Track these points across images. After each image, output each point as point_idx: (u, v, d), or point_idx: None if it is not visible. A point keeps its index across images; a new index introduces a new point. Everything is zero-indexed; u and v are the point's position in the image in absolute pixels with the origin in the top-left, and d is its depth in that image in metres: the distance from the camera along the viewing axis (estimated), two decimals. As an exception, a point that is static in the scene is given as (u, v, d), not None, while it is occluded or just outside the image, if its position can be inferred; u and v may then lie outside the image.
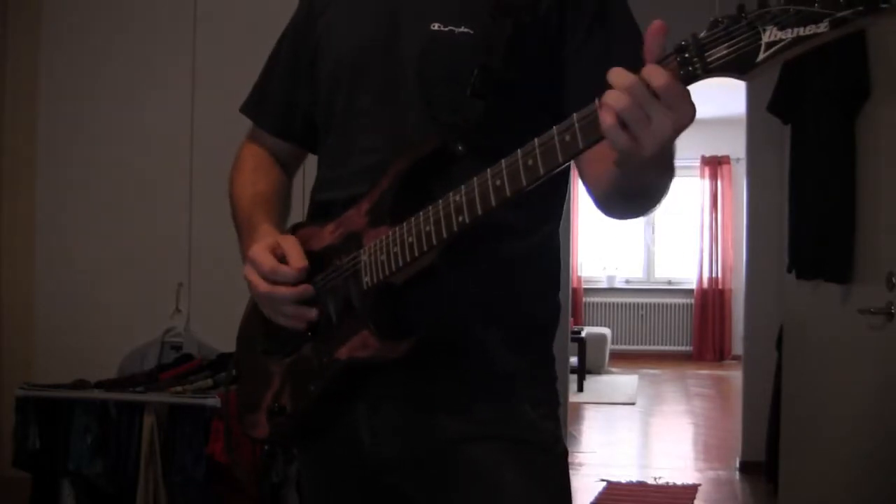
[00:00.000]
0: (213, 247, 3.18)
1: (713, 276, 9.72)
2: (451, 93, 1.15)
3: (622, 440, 6.13)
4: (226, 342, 2.68)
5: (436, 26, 1.18)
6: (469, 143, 1.11)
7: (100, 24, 3.85)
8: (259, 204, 1.34)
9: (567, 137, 0.94)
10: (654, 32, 0.88)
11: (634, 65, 0.90)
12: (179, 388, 3.00)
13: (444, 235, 1.06)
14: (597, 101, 0.91)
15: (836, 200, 2.56)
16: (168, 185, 3.74)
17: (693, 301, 9.79)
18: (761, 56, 0.80)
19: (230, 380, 1.48)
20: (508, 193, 0.99)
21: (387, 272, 1.12)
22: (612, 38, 1.19)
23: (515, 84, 1.17)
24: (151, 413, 2.94)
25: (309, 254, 1.21)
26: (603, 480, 4.73)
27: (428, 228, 1.07)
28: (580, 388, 7.51)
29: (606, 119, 0.89)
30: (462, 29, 1.17)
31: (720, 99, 7.55)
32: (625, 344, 9.77)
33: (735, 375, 7.35)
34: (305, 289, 1.18)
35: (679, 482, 4.73)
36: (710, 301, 9.68)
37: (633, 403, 7.11)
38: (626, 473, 4.93)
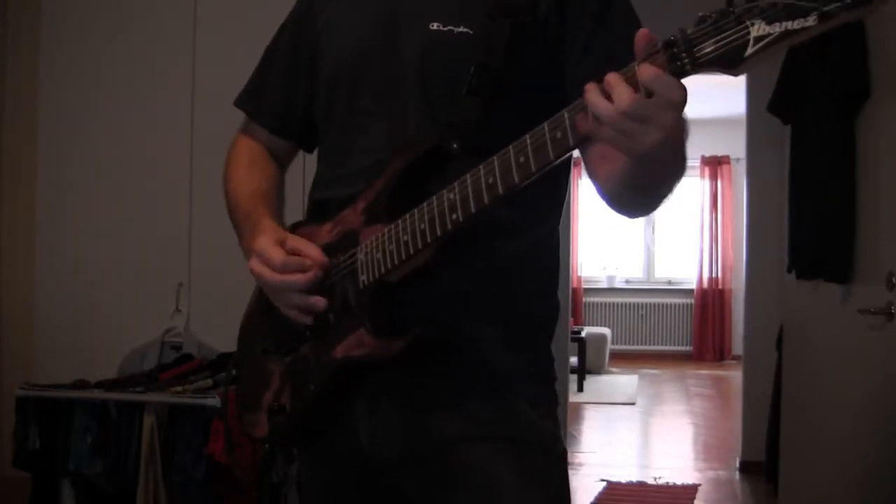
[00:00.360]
0: (213, 247, 3.18)
1: (713, 276, 9.73)
2: (451, 92, 1.15)
3: (622, 440, 6.13)
4: (226, 342, 2.68)
5: (435, 26, 1.18)
6: (465, 141, 1.11)
7: (100, 24, 3.84)
8: (259, 200, 1.34)
9: (558, 134, 0.94)
10: (641, 38, 0.89)
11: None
12: (179, 388, 3.00)
13: (439, 233, 1.06)
14: (584, 96, 0.91)
15: (836, 200, 2.56)
16: (168, 185, 3.74)
17: (693, 301, 9.80)
18: (750, 50, 0.80)
19: (230, 380, 1.48)
20: (501, 191, 0.99)
21: (382, 270, 1.12)
22: (612, 38, 1.18)
23: (514, 83, 1.17)
24: (151, 413, 2.94)
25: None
26: (603, 480, 4.73)
27: (423, 226, 1.07)
28: (580, 388, 7.51)
29: (584, 125, 0.90)
30: (461, 29, 1.17)
31: (720, 99, 7.56)
32: (625, 344, 9.77)
33: (735, 375, 7.35)
34: (317, 274, 1.17)
35: (679, 482, 4.73)
36: (710, 301, 9.68)
37: (633, 403, 7.11)
38: (626, 473, 4.93)
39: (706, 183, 9.69)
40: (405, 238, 1.09)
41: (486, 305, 1.19)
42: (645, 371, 8.85)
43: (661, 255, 10.06)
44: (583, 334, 7.78)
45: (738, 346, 8.83)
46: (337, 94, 1.28)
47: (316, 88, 1.33)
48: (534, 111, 1.03)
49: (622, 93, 0.87)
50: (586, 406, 7.01)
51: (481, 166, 1.01)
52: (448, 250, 1.09)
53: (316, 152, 1.39)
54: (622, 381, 8.14)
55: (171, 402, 2.96)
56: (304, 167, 1.51)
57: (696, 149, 9.36)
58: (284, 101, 1.40)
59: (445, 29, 1.18)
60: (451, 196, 1.04)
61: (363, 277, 1.14)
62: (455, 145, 1.11)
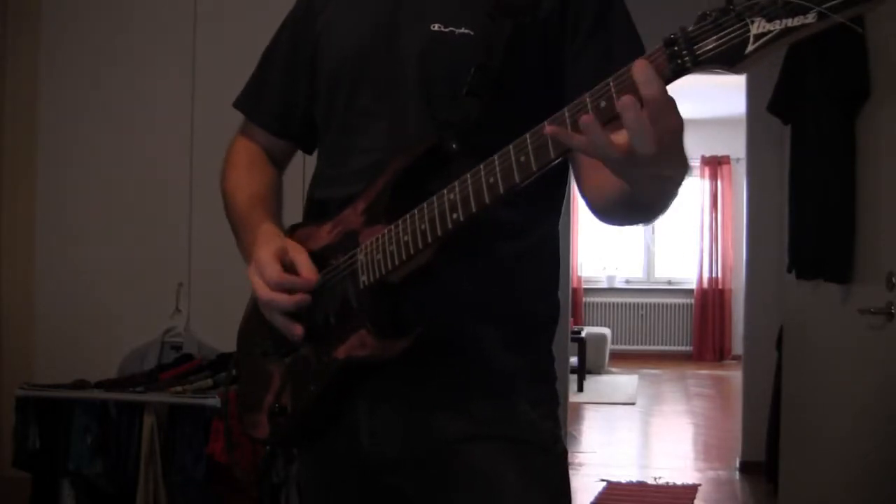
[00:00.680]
0: (213, 247, 3.17)
1: (713, 276, 9.73)
2: (451, 92, 1.15)
3: (622, 440, 6.13)
4: (226, 342, 2.67)
5: (436, 27, 1.18)
6: (465, 141, 1.11)
7: (100, 24, 3.85)
8: (257, 202, 1.34)
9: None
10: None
11: None
12: (179, 388, 3.00)
13: (439, 233, 1.05)
14: (586, 95, 0.90)
15: (836, 200, 2.56)
16: (168, 184, 3.74)
17: (693, 301, 9.80)
18: (750, 48, 0.80)
19: (230, 380, 1.48)
20: (502, 190, 0.99)
21: (383, 271, 1.11)
22: (612, 39, 1.19)
23: (514, 84, 1.17)
24: (151, 413, 2.94)
25: (308, 254, 1.21)
26: (603, 480, 4.73)
27: (423, 226, 1.07)
28: (580, 388, 7.51)
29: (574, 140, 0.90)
30: (462, 30, 1.17)
31: (720, 99, 7.57)
32: (625, 344, 9.77)
33: (735, 375, 7.35)
34: (302, 298, 1.17)
35: (679, 482, 4.73)
36: (710, 301, 9.68)
37: (633, 403, 7.11)
38: (626, 473, 4.93)
39: (706, 183, 9.69)
40: (405, 238, 1.09)
41: (487, 305, 1.19)
42: (645, 371, 8.85)
43: (661, 255, 10.07)
44: (583, 334, 7.79)
45: (738, 346, 8.83)
46: (337, 93, 1.28)
47: (316, 88, 1.33)
48: (534, 111, 1.03)
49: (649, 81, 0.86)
50: (586, 406, 7.01)
51: (482, 166, 1.00)
52: (449, 250, 1.09)
53: (316, 152, 1.39)
54: (622, 381, 8.15)
55: (171, 402, 2.96)
56: (304, 168, 1.50)
57: (696, 149, 9.36)
58: (283, 101, 1.39)
59: (447, 30, 1.18)
60: (452, 196, 1.03)
61: (364, 278, 1.14)
62: (454, 145, 1.11)
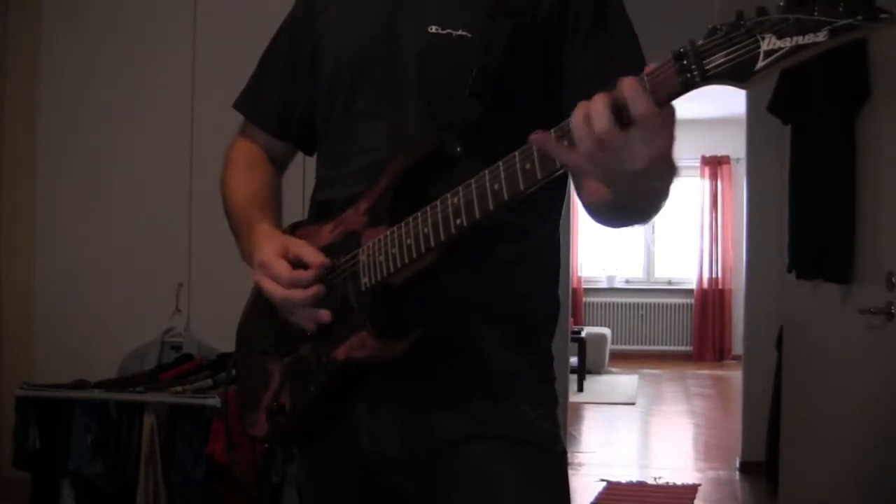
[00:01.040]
0: (213, 247, 3.17)
1: (713, 276, 9.72)
2: (451, 93, 1.15)
3: (622, 440, 6.13)
4: (226, 342, 2.67)
5: (434, 29, 1.18)
6: (467, 143, 1.11)
7: (99, 24, 3.85)
8: (257, 203, 1.33)
9: (565, 143, 0.93)
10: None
11: (634, 65, 0.89)
12: (179, 388, 3.00)
13: (443, 238, 1.05)
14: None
15: (836, 200, 2.56)
16: (168, 184, 3.74)
17: (693, 301, 9.79)
18: (760, 64, 0.79)
19: (230, 380, 1.48)
20: (506, 197, 0.98)
21: (384, 273, 1.11)
22: (611, 40, 1.18)
23: (514, 85, 1.16)
24: (151, 413, 2.94)
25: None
26: (603, 480, 4.73)
27: (426, 230, 1.07)
28: (580, 388, 7.51)
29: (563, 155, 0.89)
30: (460, 32, 1.17)
31: (720, 99, 7.57)
32: (625, 344, 9.77)
33: (735, 375, 7.35)
34: (318, 290, 1.17)
35: (679, 482, 4.73)
36: (710, 301, 9.68)
37: (633, 403, 7.11)
38: (626, 473, 4.92)
39: (706, 183, 9.68)
40: (408, 242, 1.08)
41: (488, 306, 1.19)
42: (645, 371, 8.85)
43: (661, 255, 10.06)
44: (583, 334, 7.79)
45: (738, 346, 8.83)
46: (336, 93, 1.28)
47: (315, 89, 1.33)
48: (534, 112, 1.03)
49: (639, 101, 0.85)
50: (586, 406, 7.01)
51: (486, 171, 1.00)
52: (450, 252, 1.09)
53: (316, 156, 1.39)
54: (622, 381, 8.14)
55: (171, 402, 2.97)
56: (304, 168, 1.50)
57: (696, 149, 9.36)
58: (283, 102, 1.39)
59: (444, 32, 1.17)
60: (456, 200, 1.03)
61: (365, 279, 1.14)
62: (459, 148, 1.11)
